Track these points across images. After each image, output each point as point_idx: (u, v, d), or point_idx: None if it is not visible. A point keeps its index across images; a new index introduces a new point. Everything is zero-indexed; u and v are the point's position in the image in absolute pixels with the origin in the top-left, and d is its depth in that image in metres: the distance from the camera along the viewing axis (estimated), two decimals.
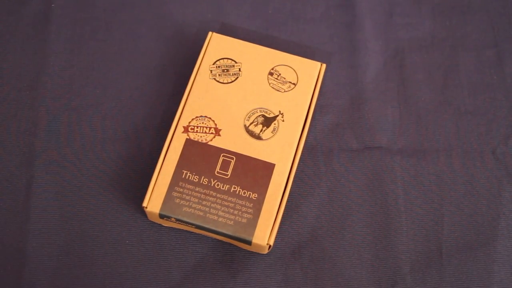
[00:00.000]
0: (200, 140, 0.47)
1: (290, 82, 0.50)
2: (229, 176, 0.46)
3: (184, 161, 0.47)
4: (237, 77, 0.50)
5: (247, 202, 0.46)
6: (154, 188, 0.46)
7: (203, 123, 0.48)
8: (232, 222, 0.45)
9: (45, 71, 0.54)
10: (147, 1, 0.57)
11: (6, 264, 0.48)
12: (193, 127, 0.48)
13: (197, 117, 0.48)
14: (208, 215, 0.45)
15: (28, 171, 0.50)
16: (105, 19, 0.56)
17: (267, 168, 0.47)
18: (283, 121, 0.48)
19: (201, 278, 0.48)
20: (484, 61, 0.56)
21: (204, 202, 0.46)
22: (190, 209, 0.45)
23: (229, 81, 0.50)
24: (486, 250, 0.50)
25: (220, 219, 0.45)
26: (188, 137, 0.48)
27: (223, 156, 0.47)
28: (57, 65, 0.54)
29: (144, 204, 0.46)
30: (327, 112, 0.54)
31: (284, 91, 0.50)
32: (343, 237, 0.50)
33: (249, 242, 0.45)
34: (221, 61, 0.50)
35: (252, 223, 0.45)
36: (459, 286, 0.49)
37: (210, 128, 0.48)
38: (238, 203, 0.46)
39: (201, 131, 0.48)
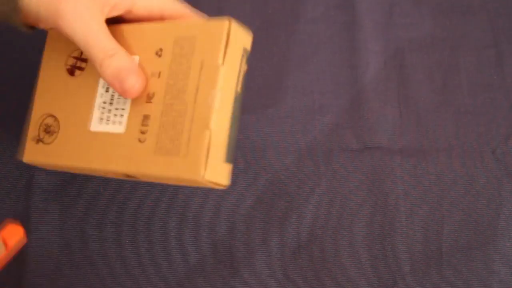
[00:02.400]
0: None
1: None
2: None
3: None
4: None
5: None
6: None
7: None
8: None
9: None
10: None
11: (6, 264, 0.48)
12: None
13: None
14: None
15: (28, 171, 0.50)
16: None
17: None
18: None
19: (201, 278, 0.48)
20: (484, 61, 0.56)
21: None
22: None
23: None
24: (486, 250, 0.50)
25: None
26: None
27: None
28: None
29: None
30: (327, 112, 0.54)
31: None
32: (343, 237, 0.50)
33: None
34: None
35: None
36: (459, 286, 0.49)
37: None
38: None
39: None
